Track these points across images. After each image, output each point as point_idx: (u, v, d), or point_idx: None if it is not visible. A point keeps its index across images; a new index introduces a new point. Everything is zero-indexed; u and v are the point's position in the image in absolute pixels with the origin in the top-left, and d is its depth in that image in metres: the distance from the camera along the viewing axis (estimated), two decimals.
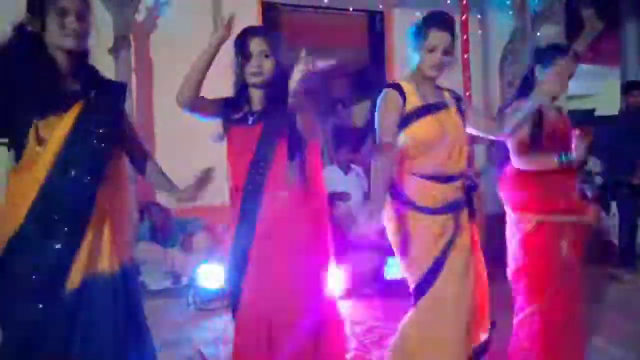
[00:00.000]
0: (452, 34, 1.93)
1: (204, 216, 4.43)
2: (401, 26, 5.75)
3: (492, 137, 2.16)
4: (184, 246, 4.21)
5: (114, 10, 4.43)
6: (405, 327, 1.95)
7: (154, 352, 1.74)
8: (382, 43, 6.00)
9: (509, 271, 2.32)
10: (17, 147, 1.54)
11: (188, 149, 4.52)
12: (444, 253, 1.88)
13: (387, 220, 1.97)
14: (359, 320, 3.30)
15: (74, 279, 1.52)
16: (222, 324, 3.25)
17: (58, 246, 1.50)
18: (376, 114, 1.95)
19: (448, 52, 1.92)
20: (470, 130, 2.08)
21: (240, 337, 1.79)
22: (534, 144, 2.18)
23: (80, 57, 1.63)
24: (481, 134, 2.12)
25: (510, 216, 2.32)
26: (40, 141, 1.51)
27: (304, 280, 1.79)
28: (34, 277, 1.49)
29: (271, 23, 5.16)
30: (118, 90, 1.74)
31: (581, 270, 2.29)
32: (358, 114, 6.79)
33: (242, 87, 1.89)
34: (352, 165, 4.79)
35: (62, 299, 1.50)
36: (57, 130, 1.52)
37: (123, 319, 1.59)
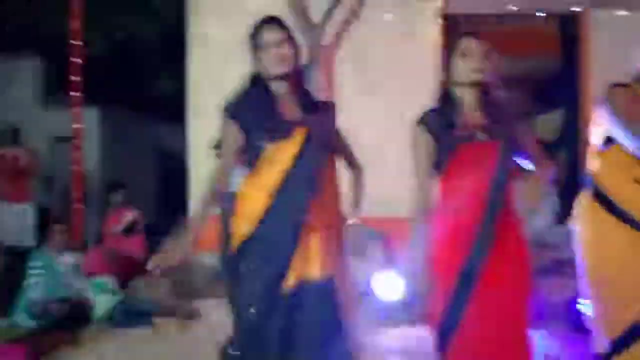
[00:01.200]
0: None
1: (380, 227, 4.56)
2: (600, 28, 5.17)
3: None
4: (358, 254, 4.37)
5: (305, 33, 4.86)
6: None
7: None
8: (575, 48, 5.47)
9: None
10: (252, 165, 1.81)
11: (377, 165, 4.72)
12: None
13: (586, 236, 1.79)
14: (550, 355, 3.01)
15: (290, 281, 1.71)
16: (401, 335, 3.31)
17: (278, 250, 1.73)
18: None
19: None
20: None
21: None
22: None
23: (295, 83, 1.83)
24: None
25: None
26: (270, 162, 1.76)
27: (525, 309, 1.72)
28: (258, 275, 1.72)
29: (453, 35, 5.10)
30: (331, 110, 1.90)
31: None
32: (543, 125, 6.28)
33: (446, 94, 1.84)
34: None
35: (280, 299, 1.70)
36: (284, 154, 1.75)
37: (328, 323, 1.73)
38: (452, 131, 1.77)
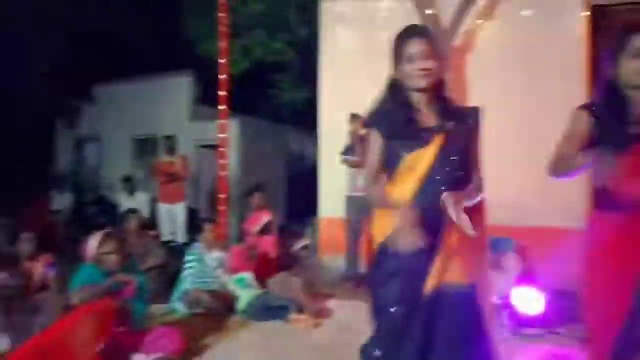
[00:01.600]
0: None
1: (515, 237, 4.31)
2: None
3: None
4: (494, 265, 4.18)
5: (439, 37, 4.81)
6: None
7: None
8: None
9: None
10: (390, 173, 1.84)
11: (514, 171, 4.48)
12: None
13: None
14: None
15: (430, 285, 1.72)
16: (539, 352, 3.09)
17: (418, 255, 1.72)
18: None
19: None
20: None
21: None
22: None
23: (435, 92, 1.82)
24: None
25: None
26: (409, 170, 1.79)
27: None
28: (398, 278, 1.76)
29: (602, 27, 4.64)
30: (472, 116, 1.86)
31: None
32: None
33: (615, 93, 1.69)
34: None
35: (421, 302, 1.72)
36: (421, 162, 1.76)
37: (469, 329, 1.71)
38: (624, 128, 1.61)
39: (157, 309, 3.91)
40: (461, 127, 1.80)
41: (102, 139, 9.97)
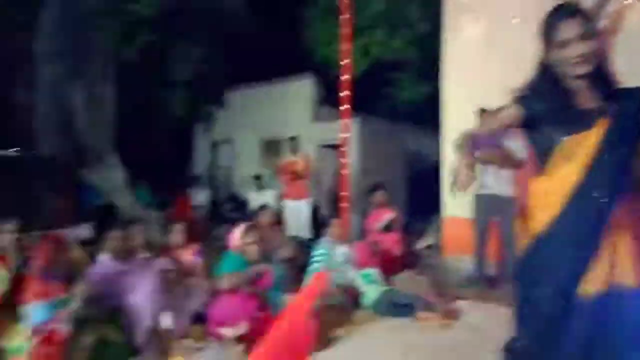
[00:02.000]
0: None
1: None
2: None
3: None
4: None
5: None
6: None
7: None
8: None
9: None
10: (542, 160, 1.69)
11: None
12: None
13: None
14: None
15: (590, 287, 1.57)
16: None
17: (573, 253, 1.59)
18: None
19: None
20: None
21: None
22: None
23: (595, 74, 1.64)
24: None
25: None
26: (566, 157, 1.62)
27: None
28: (550, 277, 1.62)
29: None
30: (638, 97, 1.64)
31: None
32: None
33: None
34: None
35: (579, 302, 1.57)
36: (583, 147, 1.60)
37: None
38: None
39: (287, 299, 4.15)
40: (628, 109, 1.60)
41: (234, 140, 10.81)
